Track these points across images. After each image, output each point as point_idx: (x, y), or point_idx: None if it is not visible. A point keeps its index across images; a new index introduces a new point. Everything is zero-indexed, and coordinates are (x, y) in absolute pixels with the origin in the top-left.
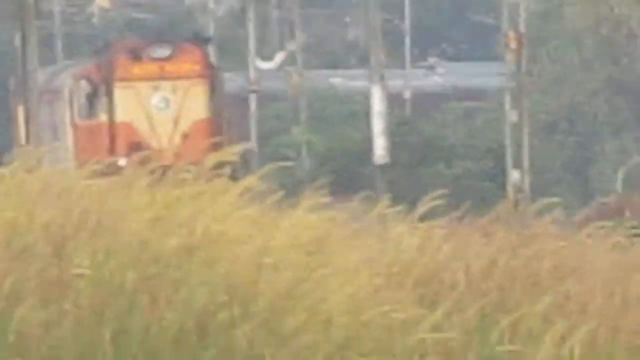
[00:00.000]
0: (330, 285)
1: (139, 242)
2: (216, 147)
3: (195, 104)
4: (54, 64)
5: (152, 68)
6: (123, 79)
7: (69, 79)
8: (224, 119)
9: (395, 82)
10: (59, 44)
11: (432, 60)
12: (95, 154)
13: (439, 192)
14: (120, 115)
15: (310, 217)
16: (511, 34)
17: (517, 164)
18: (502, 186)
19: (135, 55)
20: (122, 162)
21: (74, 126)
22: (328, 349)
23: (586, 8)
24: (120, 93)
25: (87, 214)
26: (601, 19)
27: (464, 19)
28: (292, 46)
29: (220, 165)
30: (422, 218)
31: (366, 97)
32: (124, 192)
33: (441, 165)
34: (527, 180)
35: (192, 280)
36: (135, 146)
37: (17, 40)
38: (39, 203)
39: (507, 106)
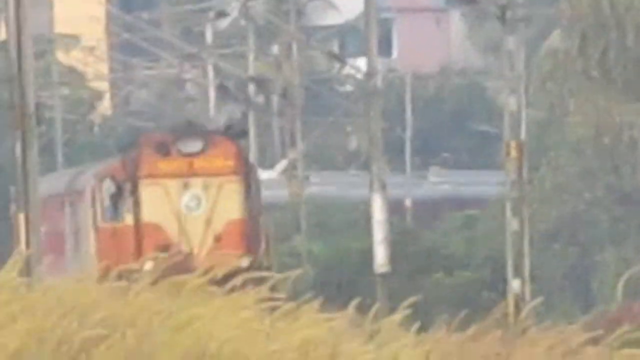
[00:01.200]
0: None
1: None
2: (251, 250)
3: (228, 203)
4: (54, 172)
5: (182, 164)
6: (150, 176)
7: (92, 179)
8: (259, 220)
9: (396, 191)
10: (59, 152)
11: (433, 168)
12: (120, 259)
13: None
14: (146, 216)
15: (315, 332)
16: (512, 143)
17: (518, 273)
18: (503, 295)
19: (163, 150)
20: (148, 266)
21: (97, 229)
22: None
23: (587, 117)
24: (146, 191)
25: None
26: (602, 128)
27: (465, 128)
28: (293, 154)
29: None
30: (424, 328)
31: (367, 205)
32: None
33: (441, 274)
34: (527, 290)
35: None
36: (164, 249)
37: (18, 149)
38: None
39: (508, 215)
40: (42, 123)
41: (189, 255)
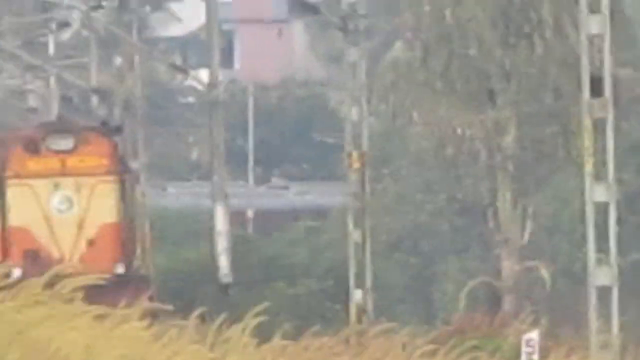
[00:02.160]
0: None
1: None
2: (127, 256)
3: (102, 205)
4: None
5: (52, 162)
6: (17, 176)
7: None
8: (136, 223)
9: (238, 201)
10: None
11: (275, 180)
12: None
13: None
14: (14, 219)
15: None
16: (354, 154)
17: (360, 283)
18: (345, 306)
19: (32, 147)
20: (17, 273)
21: None
22: None
23: (430, 128)
24: (14, 192)
25: None
26: (444, 139)
27: (308, 138)
28: (135, 164)
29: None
30: (263, 338)
31: (209, 215)
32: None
33: (283, 284)
34: (370, 300)
35: None
36: (33, 254)
37: None
38: None
39: (350, 226)
40: None
41: (60, 261)
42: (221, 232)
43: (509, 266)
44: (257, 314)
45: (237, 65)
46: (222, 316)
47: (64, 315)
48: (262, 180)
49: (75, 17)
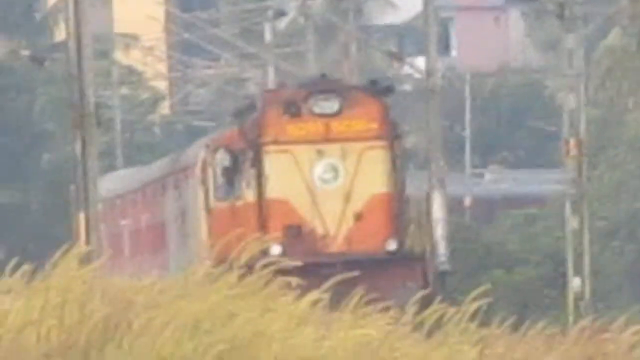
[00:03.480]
0: None
1: None
2: (400, 231)
3: (372, 174)
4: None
5: (315, 127)
6: (276, 142)
7: (201, 152)
8: (406, 195)
9: (455, 188)
10: (119, 153)
11: (492, 167)
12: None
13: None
14: (272, 191)
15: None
16: (571, 141)
17: (578, 271)
18: (562, 293)
19: (293, 110)
20: (275, 250)
21: (209, 211)
22: None
23: None
24: (272, 160)
25: None
26: None
27: (524, 126)
28: None
29: None
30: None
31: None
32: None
33: (500, 272)
34: (587, 287)
35: None
36: (294, 230)
37: (77, 148)
38: None
39: (568, 212)
40: (102, 123)
41: (324, 237)
42: (439, 219)
43: None
44: (475, 299)
45: (454, 52)
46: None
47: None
48: (478, 168)
49: (292, 5)
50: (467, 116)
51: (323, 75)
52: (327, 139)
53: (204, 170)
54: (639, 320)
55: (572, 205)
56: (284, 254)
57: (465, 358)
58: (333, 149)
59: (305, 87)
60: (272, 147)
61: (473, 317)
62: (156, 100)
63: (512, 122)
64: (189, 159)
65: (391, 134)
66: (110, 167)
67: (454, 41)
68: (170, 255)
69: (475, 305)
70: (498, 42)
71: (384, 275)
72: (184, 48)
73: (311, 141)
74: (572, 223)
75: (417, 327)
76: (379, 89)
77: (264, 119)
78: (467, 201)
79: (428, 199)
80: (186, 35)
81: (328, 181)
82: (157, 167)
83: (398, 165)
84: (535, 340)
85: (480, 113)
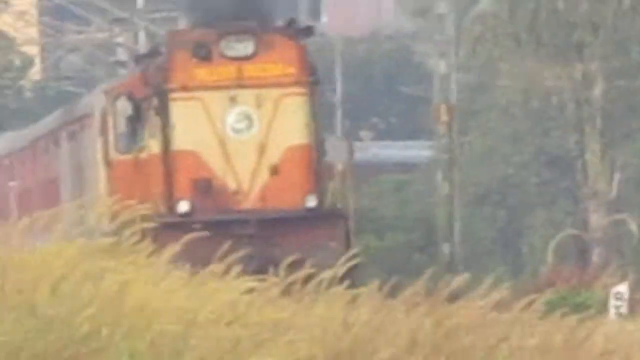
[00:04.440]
0: (251, 357)
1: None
2: (318, 185)
3: (290, 123)
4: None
5: (227, 71)
6: (184, 88)
7: (100, 99)
8: (322, 145)
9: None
10: None
11: (362, 133)
12: (143, 200)
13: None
14: (180, 141)
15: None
16: (442, 107)
17: (448, 236)
18: (434, 258)
19: (202, 53)
20: (183, 207)
21: (109, 163)
22: None
23: (517, 81)
24: (179, 108)
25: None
26: (532, 91)
27: (396, 93)
28: None
29: None
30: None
31: None
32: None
33: (371, 237)
34: (458, 252)
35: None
36: (203, 185)
37: None
38: None
39: (439, 178)
40: None
41: (236, 193)
42: None
43: (596, 219)
44: (346, 261)
45: (324, 18)
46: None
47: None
48: (350, 133)
49: None
50: (338, 82)
51: (235, 16)
52: (240, 85)
53: (103, 119)
54: (504, 282)
55: (442, 172)
56: (192, 211)
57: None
58: (247, 95)
59: (216, 27)
60: (179, 94)
61: (342, 280)
62: (26, 65)
63: (383, 88)
64: (85, 108)
65: (310, 80)
66: None
67: (323, 6)
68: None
69: (344, 268)
70: (369, 8)
71: (303, 234)
72: (56, 13)
73: (223, 87)
74: (443, 189)
75: (288, 289)
76: (298, 30)
77: (171, 62)
78: (339, 166)
79: (350, 147)
80: (57, 0)
81: (241, 131)
82: (48, 121)
83: (317, 114)
84: (399, 304)
85: (351, 79)
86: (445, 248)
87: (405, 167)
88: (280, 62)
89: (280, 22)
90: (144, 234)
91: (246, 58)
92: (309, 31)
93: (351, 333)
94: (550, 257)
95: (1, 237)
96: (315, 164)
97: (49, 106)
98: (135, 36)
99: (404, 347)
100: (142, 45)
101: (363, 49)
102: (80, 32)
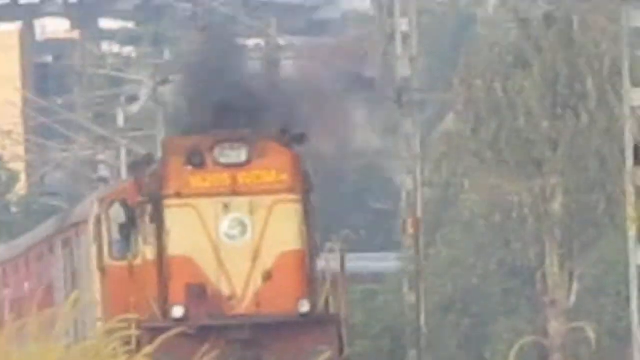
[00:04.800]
0: None
1: None
2: (311, 290)
3: (282, 230)
4: None
5: (222, 178)
6: (178, 195)
7: (94, 207)
8: (315, 251)
9: None
10: None
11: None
12: (137, 307)
13: None
14: (174, 247)
15: None
16: (409, 220)
17: (414, 344)
18: None
19: (197, 160)
20: (177, 312)
21: (104, 270)
22: None
23: (480, 195)
24: (174, 215)
25: None
26: (494, 205)
27: (365, 206)
28: None
29: None
30: None
31: None
32: None
33: None
34: (424, 359)
35: None
36: (197, 290)
37: None
38: None
39: (405, 288)
40: None
41: (230, 298)
42: None
43: (556, 326)
44: None
45: None
46: None
47: None
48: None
49: (144, 92)
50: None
51: (230, 123)
52: (234, 192)
53: (96, 226)
54: None
55: (409, 282)
56: (186, 315)
57: None
58: (240, 202)
59: (210, 135)
60: (173, 201)
61: None
62: (13, 180)
63: (353, 202)
64: (79, 215)
65: (303, 187)
66: None
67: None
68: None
69: None
70: (339, 125)
71: (296, 339)
72: (41, 131)
73: (216, 194)
74: (409, 298)
75: None
76: (291, 138)
77: (165, 169)
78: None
79: (343, 257)
80: (42, 120)
81: (235, 237)
82: (42, 228)
83: (309, 220)
84: None
85: (322, 193)
86: (413, 355)
87: (375, 277)
88: (274, 169)
89: (273, 130)
90: (138, 339)
91: (240, 165)
92: (302, 139)
93: None
94: None
95: None
96: (308, 269)
97: (34, 220)
98: (117, 154)
99: None
100: (123, 162)
101: (334, 165)
102: (64, 150)
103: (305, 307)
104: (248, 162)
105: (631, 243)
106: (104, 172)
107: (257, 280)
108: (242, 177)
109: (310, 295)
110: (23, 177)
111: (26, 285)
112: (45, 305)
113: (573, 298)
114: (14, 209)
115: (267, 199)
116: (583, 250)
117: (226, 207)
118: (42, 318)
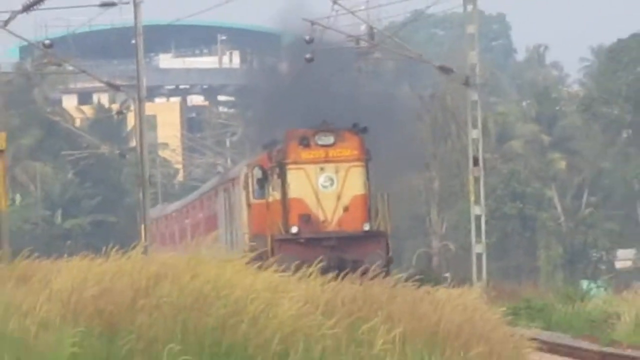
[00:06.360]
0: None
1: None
2: (370, 217)
3: (354, 182)
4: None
5: (319, 153)
6: (295, 162)
7: (243, 168)
8: (374, 196)
9: None
10: (159, 198)
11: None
12: (269, 227)
13: None
14: (292, 192)
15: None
16: None
17: None
18: None
19: (305, 143)
20: (294, 230)
21: (249, 206)
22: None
23: None
24: (292, 174)
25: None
26: None
27: None
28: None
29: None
30: None
31: None
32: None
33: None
34: None
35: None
36: (305, 218)
37: (140, 196)
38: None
39: None
40: (151, 184)
41: (324, 222)
42: None
43: (435, 243)
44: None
45: None
46: None
47: None
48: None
49: (239, 130)
50: None
51: (324, 122)
52: (327, 160)
53: (245, 180)
54: None
55: None
56: (299, 232)
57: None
58: (330, 167)
59: (313, 128)
60: (292, 166)
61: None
62: (176, 173)
63: None
64: (234, 173)
65: (365, 158)
66: (155, 204)
67: None
68: (220, 235)
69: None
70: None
71: (361, 245)
72: (189, 149)
73: (316, 162)
74: None
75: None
76: (358, 129)
77: (287, 147)
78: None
79: (388, 198)
80: (190, 142)
81: (327, 187)
82: (208, 183)
83: (369, 177)
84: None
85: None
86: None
87: None
88: (349, 148)
89: (348, 125)
90: (271, 246)
91: (329, 145)
92: (365, 130)
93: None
94: None
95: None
96: (368, 205)
97: (187, 193)
98: (225, 161)
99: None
100: (229, 165)
101: None
102: (200, 159)
103: (367, 227)
104: (334, 143)
105: (471, 203)
106: (220, 169)
107: (340, 211)
108: (331, 152)
109: (369, 220)
110: (181, 172)
111: (200, 215)
112: (212, 228)
113: (444, 230)
114: (176, 188)
115: (346, 165)
116: (450, 207)
117: (322, 169)
118: (211, 236)
